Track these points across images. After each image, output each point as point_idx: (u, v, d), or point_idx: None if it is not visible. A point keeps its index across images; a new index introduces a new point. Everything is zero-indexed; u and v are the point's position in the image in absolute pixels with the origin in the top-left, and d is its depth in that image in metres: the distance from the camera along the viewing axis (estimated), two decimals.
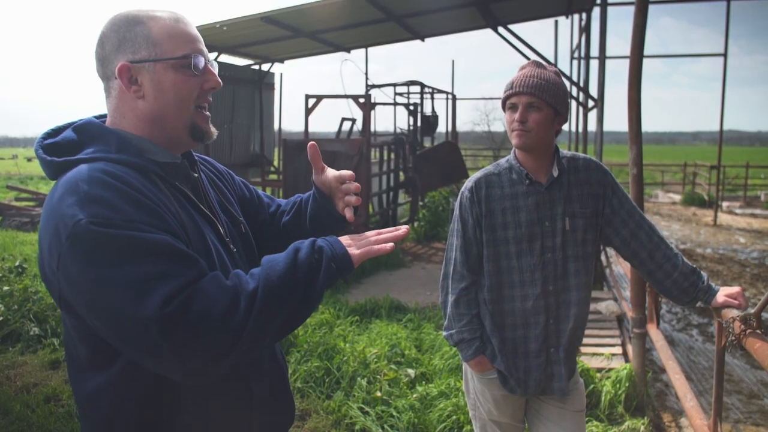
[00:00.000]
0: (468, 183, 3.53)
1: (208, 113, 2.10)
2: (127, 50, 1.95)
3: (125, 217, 1.71)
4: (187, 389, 1.88)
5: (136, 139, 1.97)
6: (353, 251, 1.97)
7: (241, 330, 1.72)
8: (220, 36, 14.66)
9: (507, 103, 3.41)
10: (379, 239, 2.03)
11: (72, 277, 1.70)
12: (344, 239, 2.04)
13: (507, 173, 3.47)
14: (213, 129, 2.13)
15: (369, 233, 2.08)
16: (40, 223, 1.83)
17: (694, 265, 3.50)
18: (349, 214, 2.35)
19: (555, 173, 3.39)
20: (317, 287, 1.88)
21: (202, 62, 2.02)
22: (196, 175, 2.18)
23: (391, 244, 1.99)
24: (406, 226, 2.09)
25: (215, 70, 2.09)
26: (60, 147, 1.94)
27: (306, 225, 2.47)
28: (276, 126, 20.89)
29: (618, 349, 7.36)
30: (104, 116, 2.08)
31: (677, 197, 30.17)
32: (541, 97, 3.27)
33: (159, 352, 1.65)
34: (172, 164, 2.03)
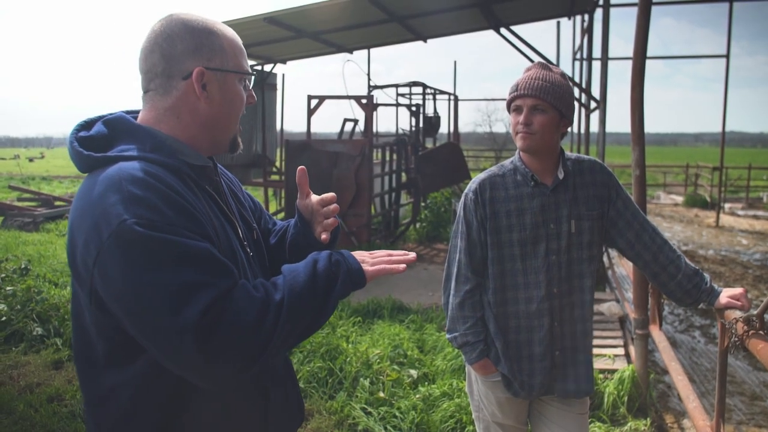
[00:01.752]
0: (472, 184, 3.51)
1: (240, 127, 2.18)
2: (203, 56, 2.00)
3: (168, 221, 1.74)
4: (205, 391, 1.89)
5: (170, 140, 1.99)
6: (367, 267, 2.02)
7: (269, 339, 1.76)
8: None
9: (512, 105, 3.38)
10: (392, 260, 2.08)
11: (111, 276, 1.72)
12: (357, 254, 2.09)
13: (512, 175, 3.45)
14: (240, 143, 2.20)
15: (380, 252, 2.14)
16: (73, 215, 1.85)
17: (697, 267, 3.51)
18: (324, 236, 2.38)
19: (560, 175, 3.38)
20: (333, 298, 1.94)
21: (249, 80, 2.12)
22: (217, 179, 2.21)
23: (404, 266, 2.05)
24: (414, 254, 2.14)
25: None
26: (94, 141, 1.96)
27: (285, 251, 2.48)
28: (278, 127, 20.87)
29: (620, 351, 7.38)
30: (135, 112, 2.10)
31: (679, 199, 30.15)
32: (547, 100, 3.25)
33: (190, 359, 1.69)
34: (203, 167, 2.07)
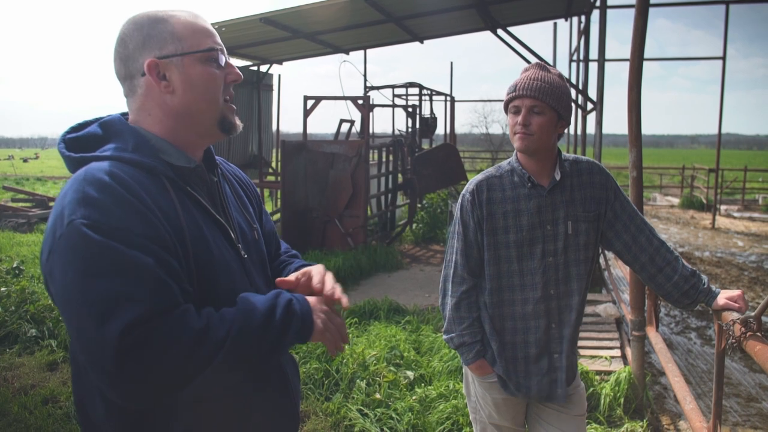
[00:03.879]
0: (469, 185, 3.50)
1: (234, 106, 2.14)
2: (153, 47, 1.99)
3: (116, 225, 1.73)
4: (186, 397, 1.85)
5: (155, 139, 1.99)
6: (318, 323, 2.05)
7: (197, 372, 1.74)
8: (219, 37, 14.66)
9: (510, 106, 3.38)
10: (342, 335, 2.15)
11: (54, 275, 1.73)
12: (312, 303, 2.09)
13: (509, 176, 3.44)
14: (239, 121, 2.16)
15: (328, 289, 2.19)
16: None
17: (694, 268, 3.52)
18: None
19: (557, 177, 3.38)
20: (280, 348, 1.95)
21: (223, 54, 2.07)
22: (215, 179, 2.19)
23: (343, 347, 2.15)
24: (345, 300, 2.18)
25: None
26: (80, 142, 1.97)
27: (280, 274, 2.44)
28: (274, 127, 20.89)
29: (617, 352, 7.37)
30: (128, 114, 2.10)
31: (675, 200, 30.25)
32: (545, 101, 3.24)
33: (108, 375, 1.66)
34: (186, 168, 2.04)
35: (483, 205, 3.42)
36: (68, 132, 2.02)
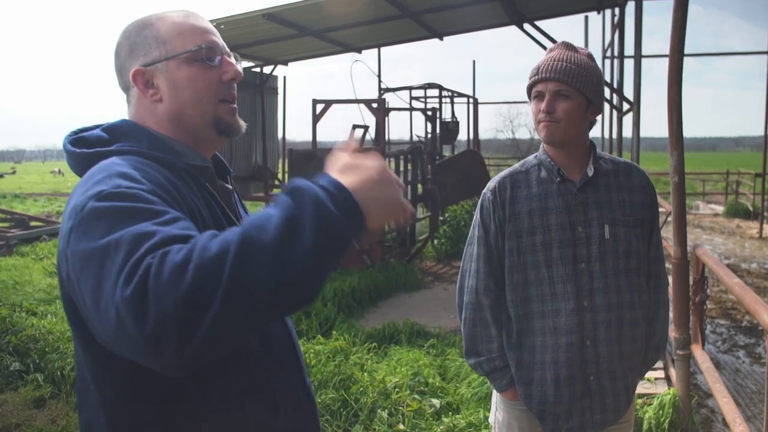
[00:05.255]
0: (491, 183, 3.40)
1: (234, 106, 2.13)
2: (139, 55, 2.03)
3: (146, 188, 1.71)
4: (199, 409, 1.86)
5: (166, 138, 2.03)
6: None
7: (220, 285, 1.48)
8: None
9: (533, 91, 3.26)
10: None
11: (80, 238, 1.63)
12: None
13: (535, 171, 3.35)
14: (241, 122, 2.15)
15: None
16: (63, 221, 1.80)
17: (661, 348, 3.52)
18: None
19: (590, 172, 3.27)
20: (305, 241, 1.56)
21: (215, 52, 2.06)
22: (230, 186, 2.23)
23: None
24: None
25: (234, 60, 2.13)
26: (87, 141, 1.99)
27: None
28: (280, 134, 20.90)
29: (660, 373, 7.35)
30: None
31: (719, 208, 30.03)
32: (571, 84, 3.13)
33: (127, 308, 1.47)
34: (202, 167, 2.07)
35: (506, 205, 3.31)
36: (71, 134, 2.04)
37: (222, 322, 1.46)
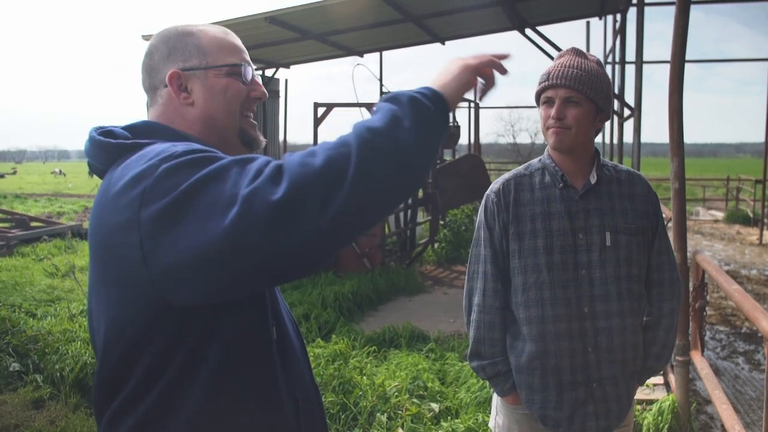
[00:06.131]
0: (495, 185, 3.41)
1: (254, 121, 2.22)
2: (177, 59, 2.10)
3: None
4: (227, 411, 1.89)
5: (194, 138, 2.04)
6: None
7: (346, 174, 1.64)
8: None
9: (542, 97, 3.27)
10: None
11: (164, 193, 1.65)
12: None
13: (539, 174, 3.36)
14: (261, 137, 2.25)
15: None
16: (94, 213, 1.86)
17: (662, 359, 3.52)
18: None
19: (593, 180, 3.28)
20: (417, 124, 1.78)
21: (250, 72, 2.17)
22: None
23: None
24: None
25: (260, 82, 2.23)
26: (115, 135, 1.98)
27: None
28: (281, 138, 20.91)
29: (659, 379, 7.36)
30: None
31: (720, 214, 29.97)
32: (581, 91, 3.13)
33: (264, 212, 1.57)
34: None
35: (510, 207, 3.32)
36: (96, 129, 2.03)
37: (357, 193, 1.62)
